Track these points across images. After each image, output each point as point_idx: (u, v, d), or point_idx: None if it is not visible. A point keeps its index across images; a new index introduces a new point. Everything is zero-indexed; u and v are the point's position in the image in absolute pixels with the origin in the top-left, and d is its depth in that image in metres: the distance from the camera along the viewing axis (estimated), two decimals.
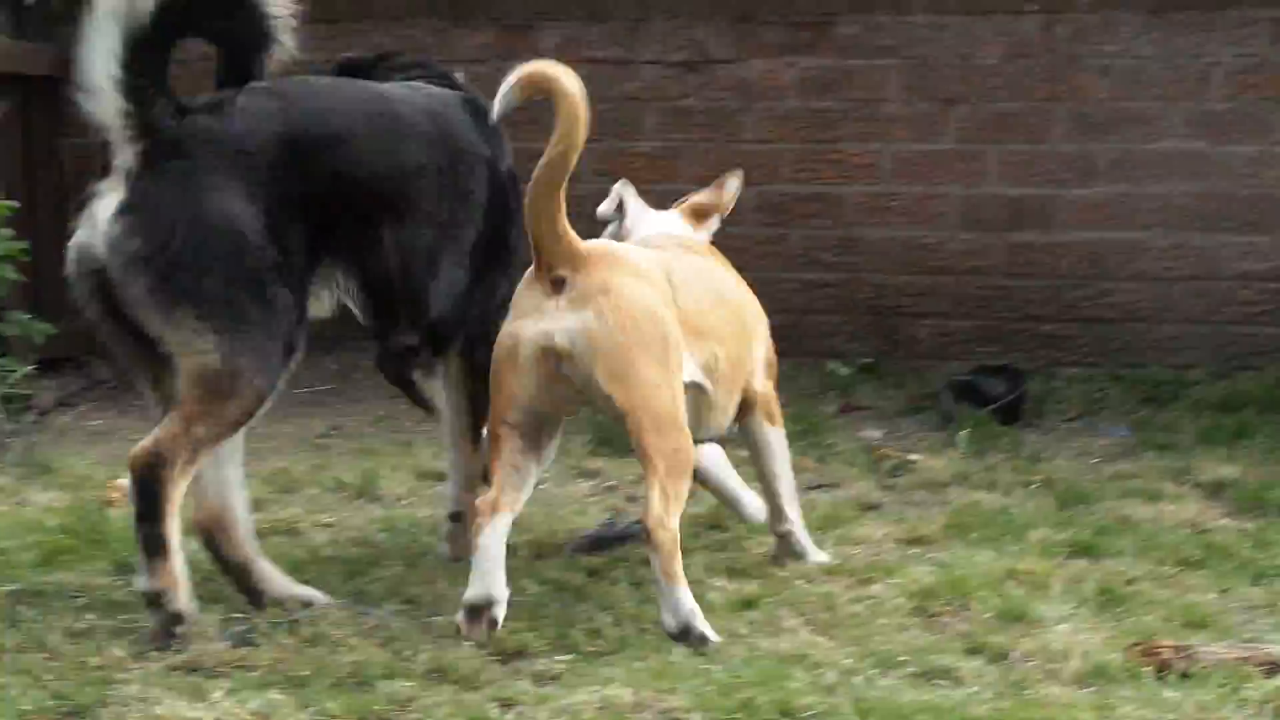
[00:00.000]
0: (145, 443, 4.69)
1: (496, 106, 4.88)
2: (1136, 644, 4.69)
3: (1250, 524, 5.90)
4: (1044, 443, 7.02)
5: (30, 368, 7.56)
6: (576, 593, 5.20)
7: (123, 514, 5.99)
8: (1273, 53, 7.89)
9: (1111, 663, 4.58)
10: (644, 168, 8.40)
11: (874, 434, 7.22)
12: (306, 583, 5.27)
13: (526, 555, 5.61)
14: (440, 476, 6.60)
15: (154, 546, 4.74)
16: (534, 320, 4.78)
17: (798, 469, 6.57)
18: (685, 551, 5.50)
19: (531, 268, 4.87)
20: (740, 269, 8.10)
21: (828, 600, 5.14)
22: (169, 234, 4.61)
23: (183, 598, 4.79)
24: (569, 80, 4.90)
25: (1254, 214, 7.86)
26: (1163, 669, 4.55)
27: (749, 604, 5.10)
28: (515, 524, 5.76)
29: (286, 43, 4.79)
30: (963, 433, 6.74)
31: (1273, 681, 4.44)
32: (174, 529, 4.76)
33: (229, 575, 5.05)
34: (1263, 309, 7.83)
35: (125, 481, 6.29)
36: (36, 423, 7.55)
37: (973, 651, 4.75)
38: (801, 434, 6.95)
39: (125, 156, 4.68)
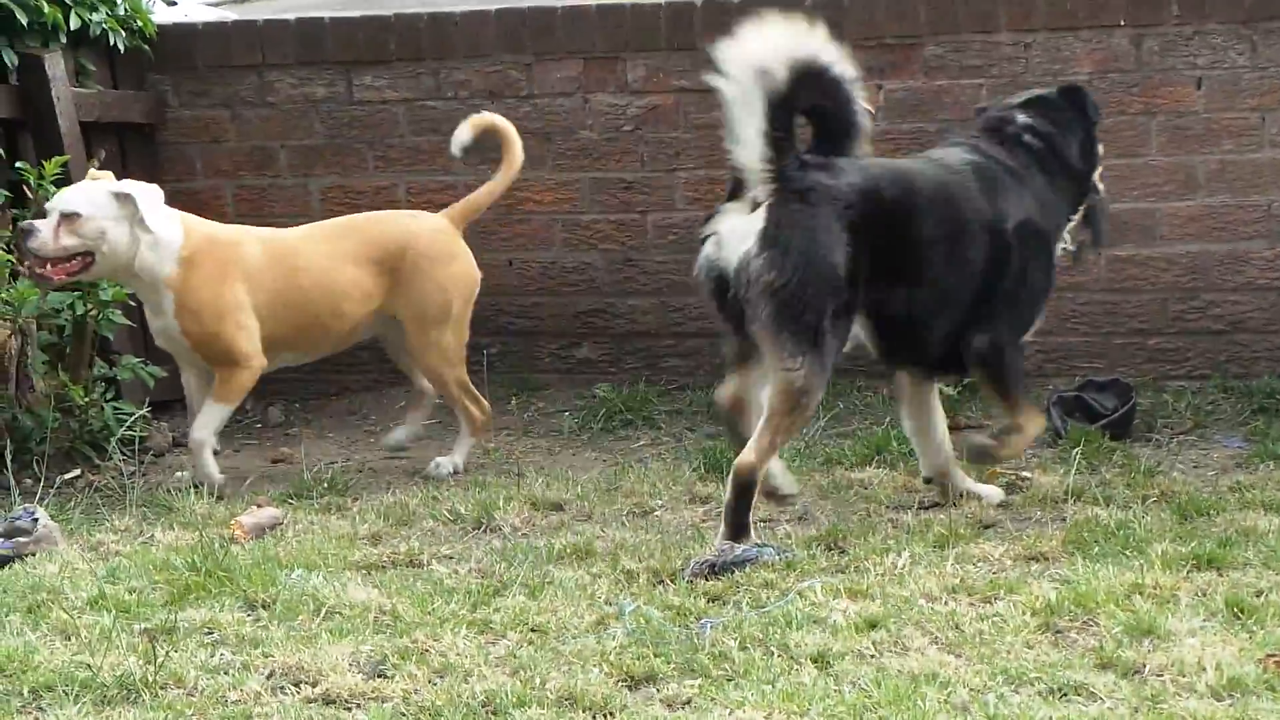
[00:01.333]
0: (748, 456, 5.85)
1: None
2: (1271, 655, 4.66)
3: None
4: (1158, 456, 6.98)
5: (144, 410, 7.63)
6: (699, 616, 5.22)
7: (247, 550, 6.06)
8: None
9: (1247, 675, 4.56)
10: None
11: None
12: (431, 612, 5.32)
13: (646, 582, 5.63)
14: (554, 506, 6.66)
15: (739, 532, 5.85)
16: None
17: (908, 489, 6.61)
18: (804, 574, 5.58)
19: None
20: None
21: (952, 618, 5.14)
22: (794, 273, 5.76)
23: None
24: None
25: None
26: None
27: (873, 624, 5.10)
28: (631, 552, 5.86)
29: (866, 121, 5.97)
30: (1075, 449, 6.70)
31: None
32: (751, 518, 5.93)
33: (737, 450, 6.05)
34: None
35: (247, 518, 6.41)
36: (153, 464, 7.62)
37: (1103, 666, 4.74)
38: (910, 454, 6.94)
39: (759, 192, 5.82)
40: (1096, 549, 5.73)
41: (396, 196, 8.67)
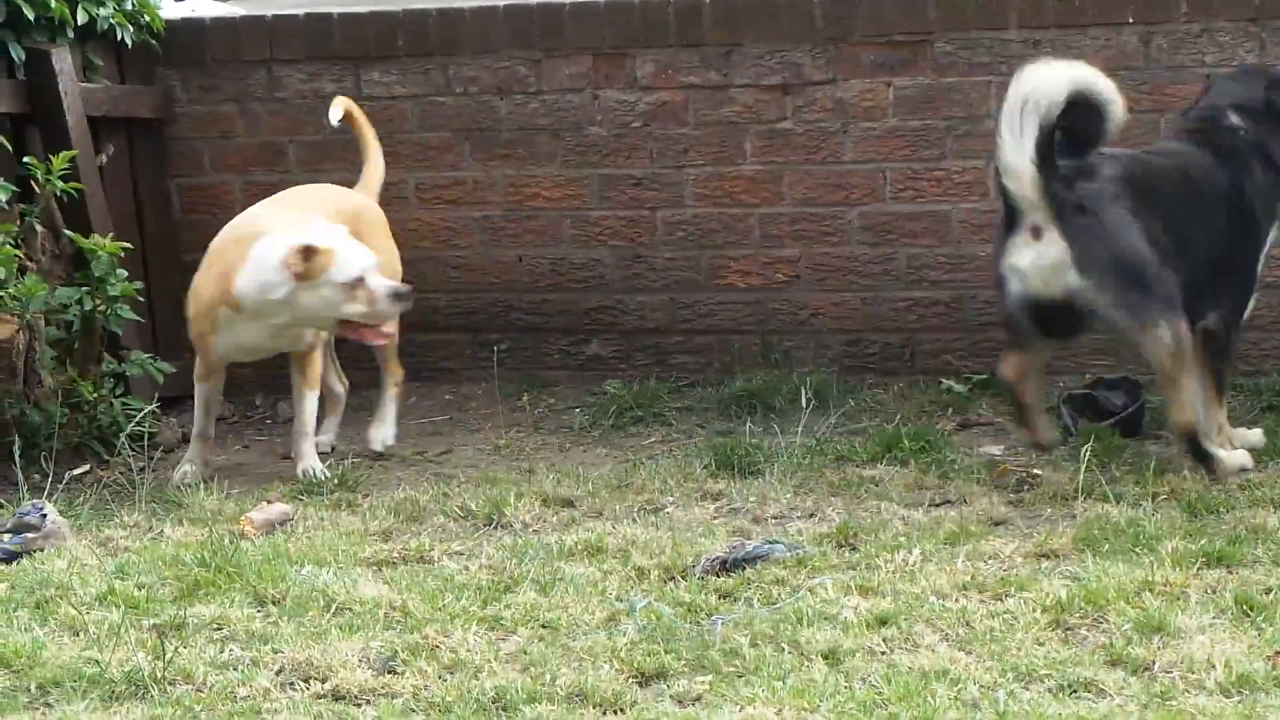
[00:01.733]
0: (1182, 416, 6.56)
1: None
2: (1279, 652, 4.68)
3: None
4: (1167, 454, 6.96)
5: (153, 406, 7.63)
6: (710, 613, 5.23)
7: (257, 546, 6.06)
8: None
9: (1255, 672, 4.59)
10: (746, 191, 8.42)
11: (994, 450, 7.19)
12: (442, 608, 5.32)
13: (657, 579, 5.63)
14: (565, 502, 6.64)
15: (1202, 458, 6.59)
16: None
17: (919, 486, 6.61)
18: (815, 571, 5.58)
19: None
20: (849, 289, 8.18)
21: (963, 615, 5.15)
22: (1119, 276, 6.39)
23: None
24: None
25: None
26: None
27: (884, 621, 5.12)
28: (642, 549, 5.86)
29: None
30: (1085, 447, 6.69)
31: None
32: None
33: (1016, 410, 6.91)
34: None
35: (256, 514, 6.42)
36: (163, 460, 7.62)
37: (1113, 663, 4.77)
38: (921, 451, 6.95)
39: (1038, 219, 6.38)
40: (1107, 546, 5.73)
41: (405, 193, 8.66)
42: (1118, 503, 6.25)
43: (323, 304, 7.10)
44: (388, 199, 8.29)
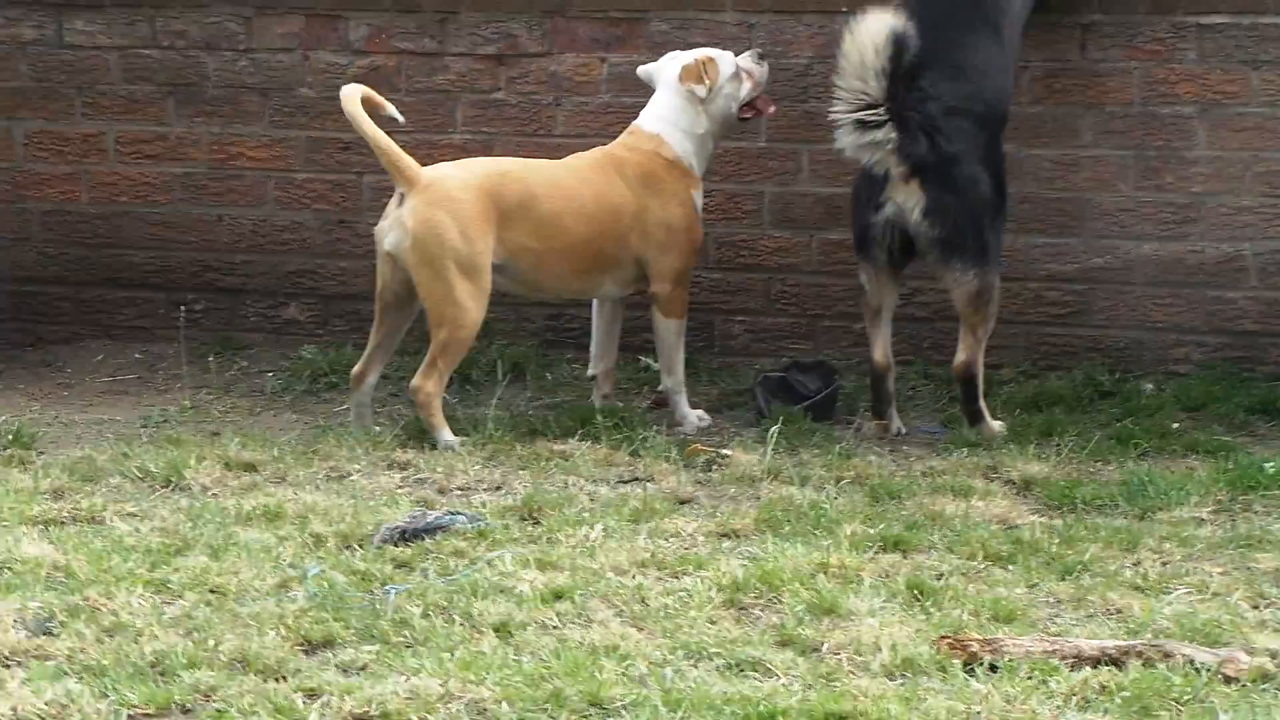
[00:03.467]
0: (962, 357, 7.09)
1: None
2: (945, 637, 4.74)
3: (1057, 520, 5.94)
4: (857, 439, 7.05)
5: None
6: (385, 583, 5.17)
7: None
8: (1080, 59, 7.96)
9: (920, 655, 4.65)
10: (455, 160, 8.34)
11: (686, 429, 7.22)
12: (107, 570, 5.19)
13: (334, 546, 5.56)
14: (248, 467, 6.52)
15: (977, 418, 7.09)
16: None
17: (609, 463, 6.59)
18: (496, 544, 5.54)
19: None
20: None
21: (639, 592, 5.16)
22: (953, 223, 6.98)
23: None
24: None
25: (1062, 216, 7.91)
26: (971, 661, 4.62)
27: (559, 595, 5.11)
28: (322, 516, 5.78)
29: None
30: (773, 429, 6.74)
31: (1079, 674, 4.53)
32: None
33: (878, 403, 7.23)
34: (1071, 309, 7.89)
35: None
36: None
37: (783, 644, 4.81)
38: (614, 428, 6.92)
39: (900, 171, 6.95)
40: (788, 528, 5.78)
41: (105, 145, 8.47)
42: (803, 485, 6.30)
43: (728, 101, 7.45)
44: (85, 151, 8.09)
